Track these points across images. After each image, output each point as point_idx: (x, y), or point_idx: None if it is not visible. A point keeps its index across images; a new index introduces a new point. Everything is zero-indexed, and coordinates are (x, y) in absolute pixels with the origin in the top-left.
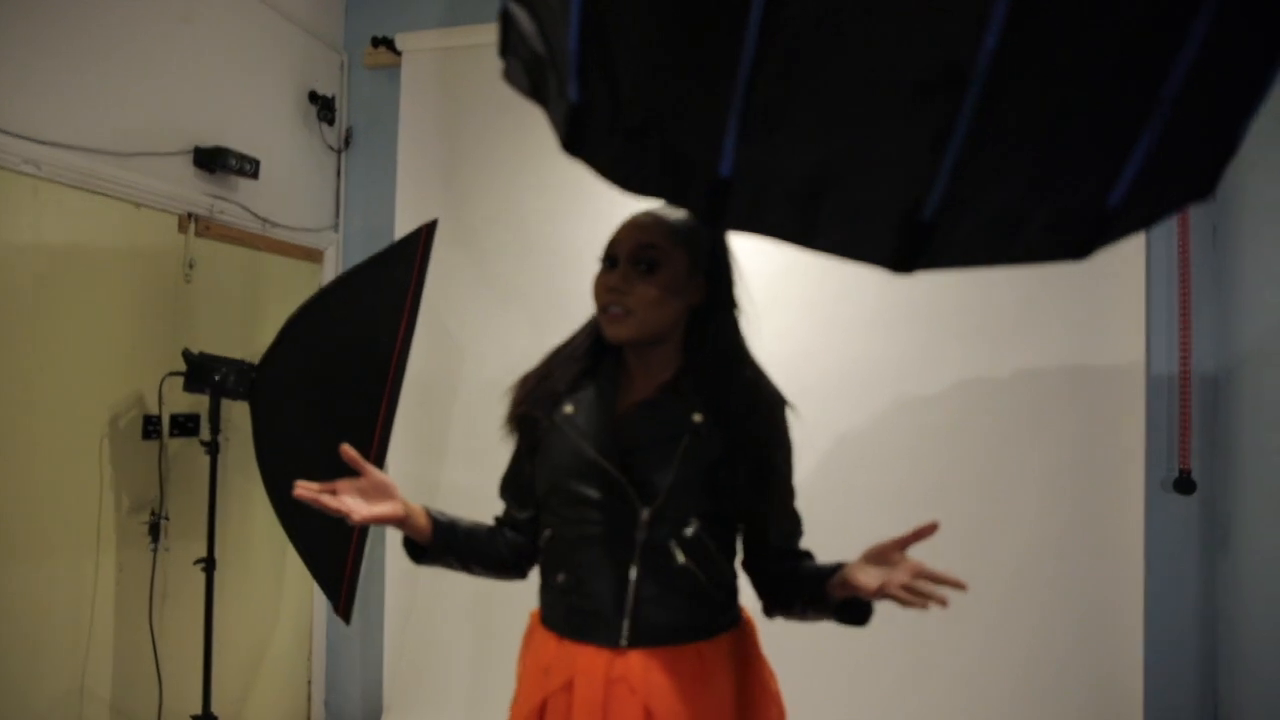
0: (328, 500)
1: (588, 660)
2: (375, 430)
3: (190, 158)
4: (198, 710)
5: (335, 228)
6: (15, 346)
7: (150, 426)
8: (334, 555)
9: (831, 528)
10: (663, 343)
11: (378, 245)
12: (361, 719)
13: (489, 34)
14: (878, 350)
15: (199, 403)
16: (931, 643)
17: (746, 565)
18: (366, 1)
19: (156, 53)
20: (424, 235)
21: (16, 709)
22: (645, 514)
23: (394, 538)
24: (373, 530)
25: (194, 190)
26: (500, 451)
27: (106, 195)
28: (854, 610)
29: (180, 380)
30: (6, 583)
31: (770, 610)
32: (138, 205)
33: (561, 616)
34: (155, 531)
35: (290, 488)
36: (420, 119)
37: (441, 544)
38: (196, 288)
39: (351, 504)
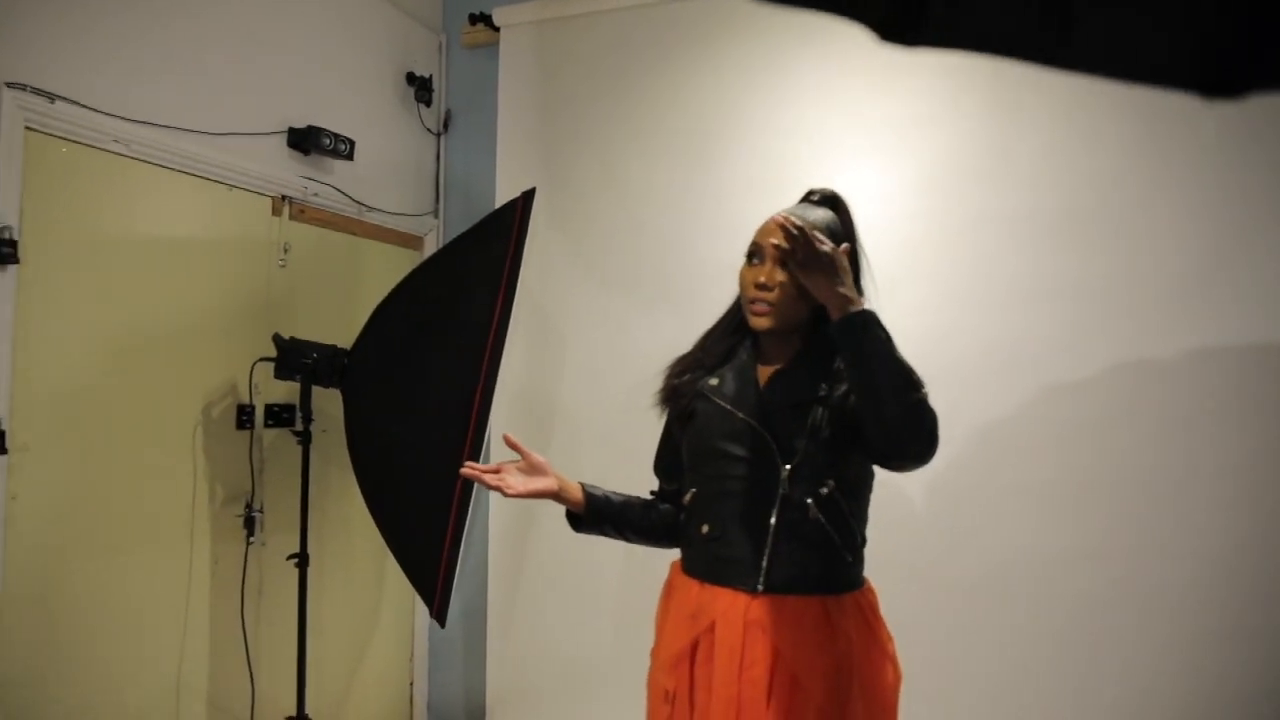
0: (488, 478)
1: (727, 603)
2: (471, 414)
3: (284, 138)
4: (293, 710)
5: (435, 213)
6: (107, 332)
7: (244, 416)
8: (428, 555)
9: (970, 529)
10: (793, 331)
11: None
12: None
13: (588, 3)
14: (1018, 330)
15: (294, 393)
16: (1092, 661)
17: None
18: None
19: (250, 31)
20: (520, 205)
21: (116, 700)
22: (785, 471)
23: (496, 539)
24: (471, 530)
25: (288, 172)
26: (605, 440)
27: (198, 176)
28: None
29: (272, 367)
30: (105, 574)
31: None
32: (230, 187)
33: (704, 564)
34: (250, 525)
35: (383, 480)
36: (520, 96)
37: (595, 514)
38: (290, 273)
39: (509, 480)
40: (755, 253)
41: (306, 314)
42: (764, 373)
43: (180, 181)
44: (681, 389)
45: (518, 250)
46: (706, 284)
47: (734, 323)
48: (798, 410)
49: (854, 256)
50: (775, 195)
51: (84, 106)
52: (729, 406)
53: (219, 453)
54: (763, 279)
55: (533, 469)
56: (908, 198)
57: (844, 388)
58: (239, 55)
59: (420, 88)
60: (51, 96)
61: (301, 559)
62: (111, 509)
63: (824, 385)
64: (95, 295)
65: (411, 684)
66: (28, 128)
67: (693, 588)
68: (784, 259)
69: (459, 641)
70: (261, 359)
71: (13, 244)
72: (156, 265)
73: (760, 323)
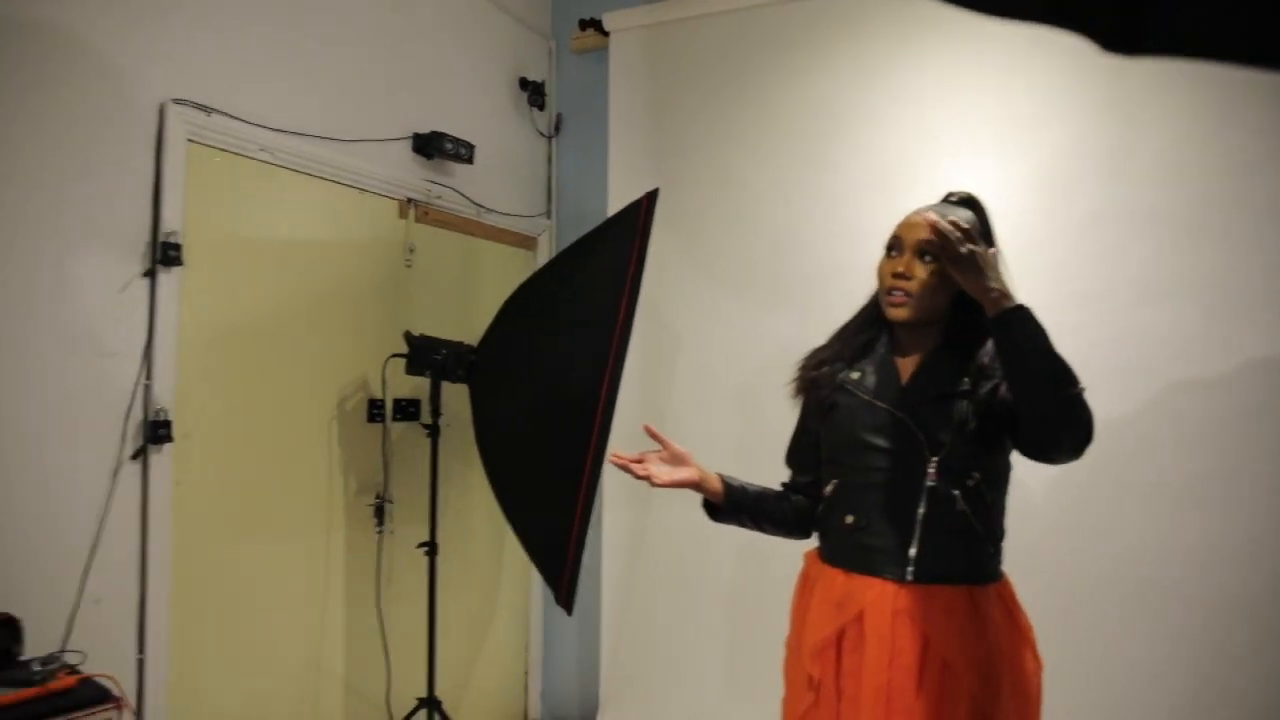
0: (635, 468)
1: (876, 592)
2: (596, 412)
3: (409, 144)
4: (422, 693)
5: (548, 214)
6: (253, 328)
7: (374, 410)
8: (555, 543)
9: (1101, 531)
10: (930, 324)
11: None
12: (578, 713)
13: (698, 6)
14: (1144, 327)
15: (419, 388)
16: (1233, 662)
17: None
18: None
19: (376, 43)
20: (645, 205)
21: (260, 680)
22: (933, 462)
23: (609, 529)
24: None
25: (413, 176)
26: (717, 438)
27: (332, 181)
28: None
29: (402, 364)
30: (252, 556)
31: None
32: (361, 190)
33: (849, 554)
34: (380, 514)
35: (509, 472)
36: (630, 99)
37: (733, 504)
38: (415, 273)
39: (654, 470)
40: (894, 245)
41: (430, 312)
42: (903, 365)
43: (317, 186)
44: (820, 381)
45: (642, 249)
46: (820, 284)
47: (871, 316)
48: (942, 403)
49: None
50: (891, 194)
51: (235, 118)
52: (872, 399)
53: (352, 445)
54: (901, 269)
55: (674, 459)
56: (1028, 194)
57: (991, 382)
58: (367, 67)
59: (533, 92)
60: (208, 110)
61: (431, 548)
62: (257, 496)
63: (966, 379)
64: (243, 295)
65: (526, 672)
66: (189, 140)
67: (837, 577)
68: (934, 255)
69: (573, 632)
70: (393, 355)
71: (178, 248)
72: (296, 266)
73: (898, 313)
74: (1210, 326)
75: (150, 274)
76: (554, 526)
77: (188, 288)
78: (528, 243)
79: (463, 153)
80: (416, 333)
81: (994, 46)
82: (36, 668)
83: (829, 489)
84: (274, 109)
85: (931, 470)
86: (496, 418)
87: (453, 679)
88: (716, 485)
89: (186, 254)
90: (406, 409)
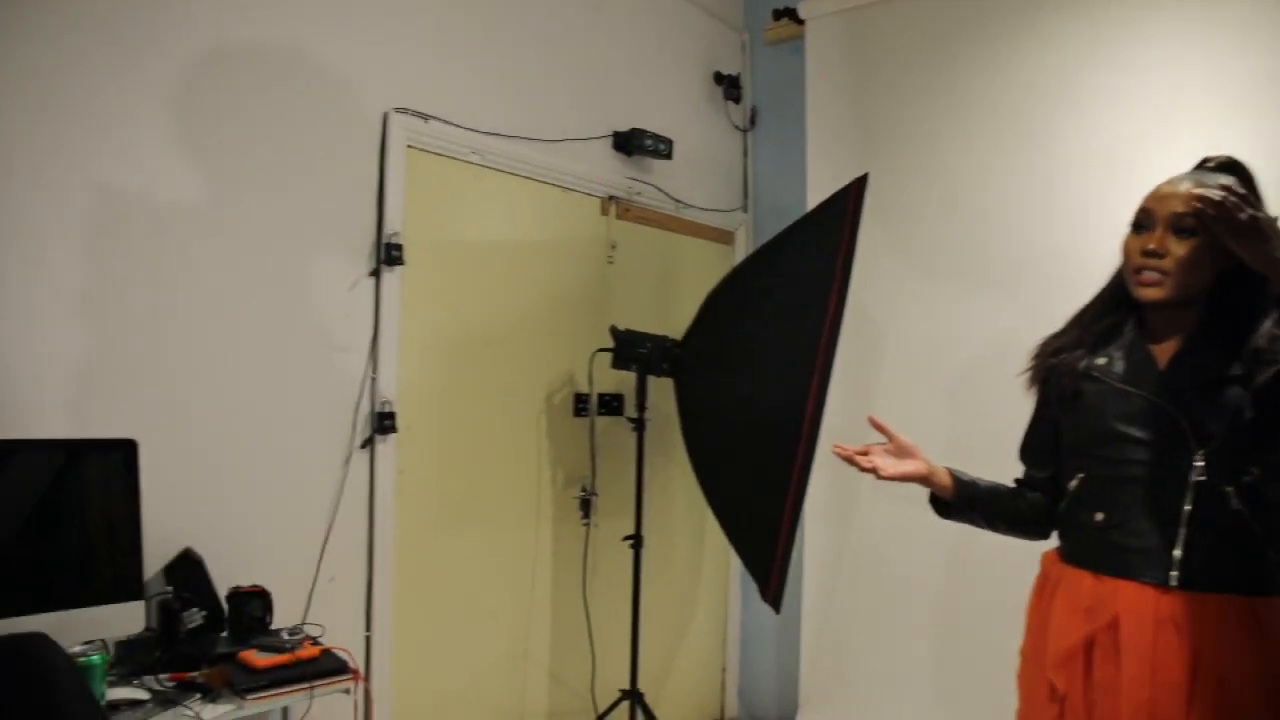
0: (860, 460)
1: (1133, 598)
2: (807, 405)
3: (610, 142)
4: (625, 684)
5: (744, 208)
6: (465, 324)
7: (580, 404)
8: (763, 538)
9: None
10: (1188, 305)
11: (786, 225)
12: (775, 714)
13: None
14: None
15: (622, 382)
16: None
17: None
18: None
19: (574, 44)
20: (854, 192)
21: (473, 663)
22: (1200, 456)
23: (813, 528)
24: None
25: (614, 173)
26: (929, 435)
27: (538, 180)
28: None
29: (606, 358)
30: (465, 547)
31: None
32: (565, 189)
33: (1099, 554)
34: (586, 507)
35: (716, 467)
36: (828, 88)
37: (964, 500)
38: (617, 269)
39: (880, 462)
40: (1143, 220)
41: (631, 307)
42: (1159, 351)
43: (523, 186)
44: (1059, 369)
45: (852, 237)
46: (1036, 270)
47: (1114, 299)
48: (1210, 390)
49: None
50: (1114, 171)
51: (449, 123)
52: (1126, 386)
53: (559, 438)
54: (1152, 245)
55: (900, 451)
56: None
57: (1273, 368)
58: (567, 67)
59: (729, 85)
60: (426, 117)
61: (636, 541)
62: (471, 486)
63: (1238, 364)
64: (456, 292)
65: (724, 669)
66: (409, 146)
67: (1084, 579)
68: (1192, 229)
69: (772, 631)
70: (599, 350)
71: (400, 248)
72: (505, 264)
73: (1149, 293)
74: None
75: (375, 273)
76: (763, 522)
77: (408, 286)
78: (725, 237)
79: (661, 149)
80: (621, 327)
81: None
82: (285, 636)
83: (1074, 484)
84: (482, 113)
85: (1199, 463)
86: (702, 411)
87: (652, 672)
88: (946, 480)
89: (406, 254)
90: (610, 403)
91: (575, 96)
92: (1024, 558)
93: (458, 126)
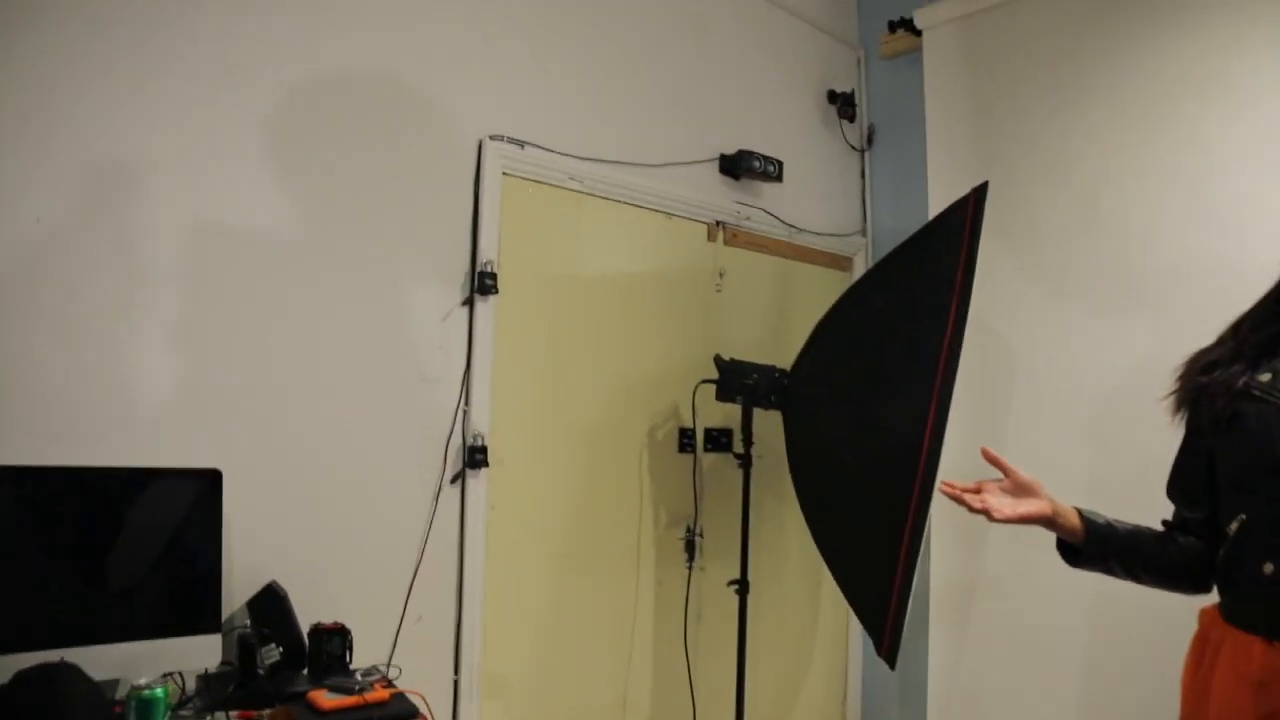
0: (971, 499)
1: None
2: (923, 440)
3: (715, 165)
4: None
5: (863, 232)
6: (565, 355)
7: (685, 440)
8: (878, 588)
9: None
10: None
11: None
12: None
13: None
14: None
15: (730, 416)
16: None
17: None
18: None
19: (679, 65)
20: (972, 202)
21: (565, 714)
22: None
23: (939, 574)
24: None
25: (721, 198)
26: (1064, 471)
27: (640, 206)
28: None
29: (711, 390)
30: (560, 589)
31: None
32: (669, 215)
33: (1272, 614)
34: (690, 549)
35: (826, 508)
36: (949, 100)
37: (1097, 545)
38: (726, 297)
39: (994, 503)
40: None
41: (741, 337)
42: None
43: (624, 212)
44: (1212, 389)
45: (971, 253)
46: (1184, 283)
47: (1277, 306)
48: None
49: None
50: (1276, 167)
51: (546, 149)
52: None
53: (663, 476)
54: None
55: (1019, 489)
56: None
57: None
58: (669, 90)
59: (843, 104)
60: (522, 143)
61: (742, 586)
62: (567, 525)
63: None
64: (554, 322)
65: None
66: (504, 173)
67: (1255, 646)
68: None
69: (895, 688)
70: (703, 381)
71: (494, 277)
72: (605, 292)
73: None
74: None
75: (469, 303)
76: (877, 570)
77: (502, 316)
78: (842, 263)
79: (771, 170)
80: (727, 357)
81: None
82: (359, 678)
83: (1234, 526)
84: (581, 138)
85: None
86: (813, 447)
87: None
88: (1074, 522)
89: (501, 283)
90: (718, 439)
91: (679, 119)
92: (1181, 613)
93: (554, 152)
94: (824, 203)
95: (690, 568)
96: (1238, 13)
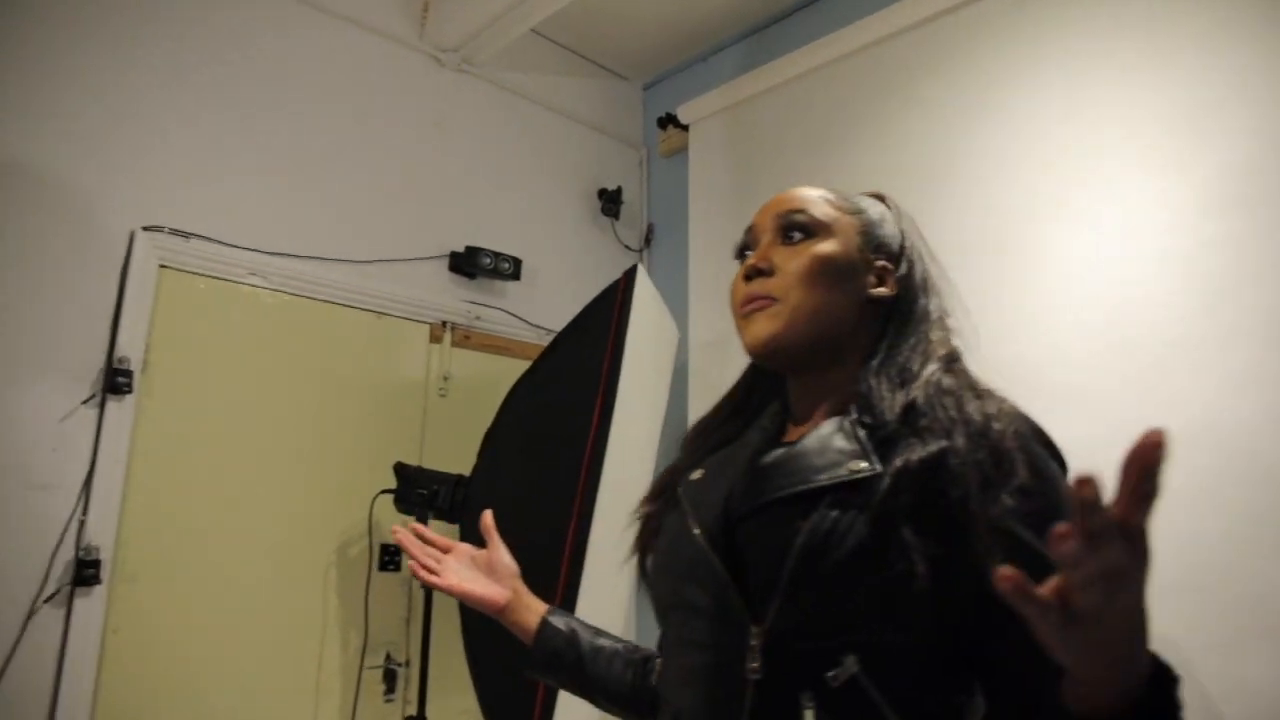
0: (415, 550)
1: None
2: (569, 528)
3: (445, 263)
4: None
5: None
6: (229, 464)
7: (388, 557)
8: (518, 712)
9: None
10: (837, 359)
11: (681, 350)
12: None
13: (769, 76)
14: None
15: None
16: None
17: None
18: (663, 89)
19: (403, 162)
20: (621, 285)
21: None
22: (755, 638)
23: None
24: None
25: (449, 297)
26: None
27: (345, 305)
28: None
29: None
30: None
31: None
32: (380, 314)
33: None
34: (390, 679)
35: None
36: (710, 193)
37: (549, 656)
38: (452, 402)
39: (440, 564)
40: (748, 243)
41: (472, 444)
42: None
43: (324, 311)
44: (667, 491)
45: (619, 333)
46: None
47: (750, 379)
48: (789, 512)
49: (915, 241)
50: (1005, 249)
51: (220, 243)
52: (692, 518)
53: (354, 597)
54: (753, 261)
55: (490, 567)
56: (1208, 219)
57: (918, 450)
58: (397, 186)
59: (608, 202)
60: (187, 235)
61: None
62: (221, 653)
63: (861, 462)
64: (225, 426)
65: None
66: (162, 265)
67: None
68: (807, 228)
69: None
70: (383, 491)
71: (129, 374)
72: (295, 396)
73: (759, 330)
74: None
75: (99, 402)
76: (517, 697)
77: (149, 418)
78: None
79: (505, 268)
80: (452, 470)
81: (1142, 25)
82: None
83: (659, 664)
84: (271, 233)
85: (754, 650)
86: None
87: None
88: (529, 621)
89: (150, 382)
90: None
91: (405, 216)
92: None
93: (233, 246)
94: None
95: (391, 701)
96: (962, 95)
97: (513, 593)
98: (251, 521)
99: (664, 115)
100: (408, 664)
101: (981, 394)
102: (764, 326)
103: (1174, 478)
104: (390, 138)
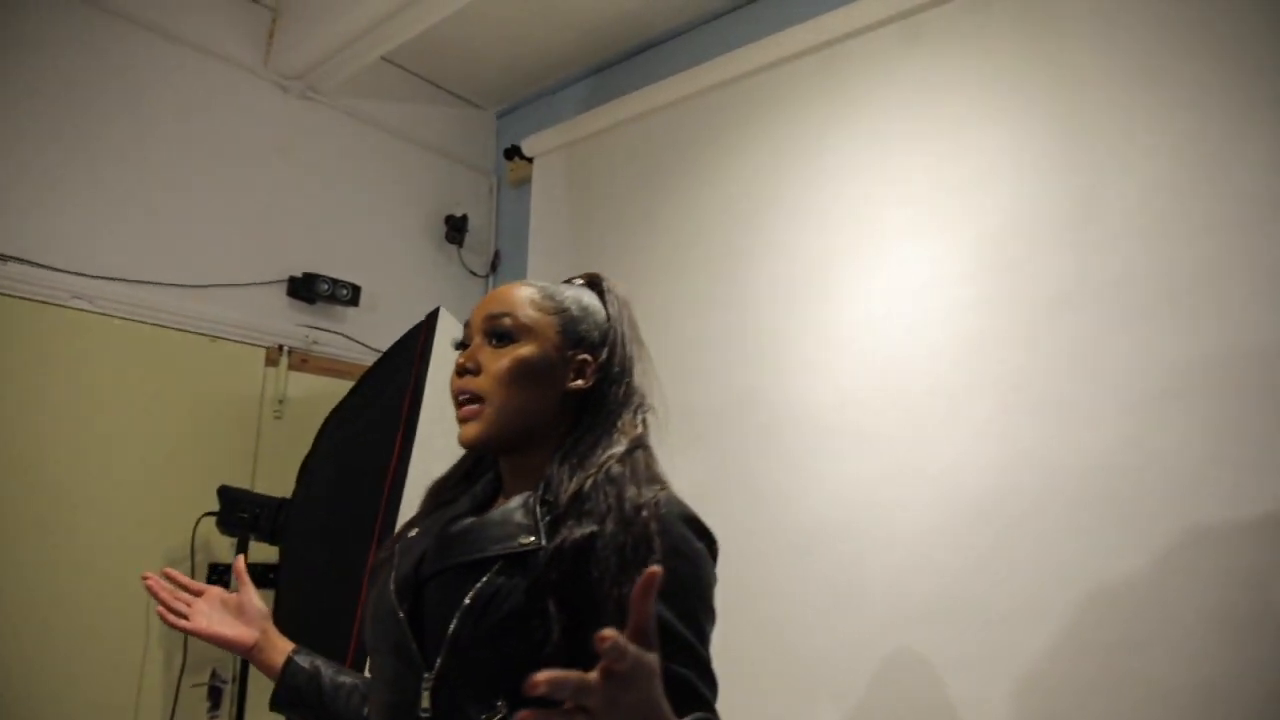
0: (163, 595)
1: None
2: (368, 561)
3: (284, 287)
4: None
5: None
6: (45, 485)
7: (216, 577)
8: None
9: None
10: (539, 444)
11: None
12: None
13: (610, 114)
14: (1142, 443)
15: (272, 553)
16: None
17: None
18: (515, 118)
19: (244, 189)
20: (424, 327)
21: None
22: (426, 683)
23: None
24: None
25: (286, 321)
26: None
27: (177, 329)
28: None
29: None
30: None
31: None
32: (213, 338)
33: None
34: (215, 696)
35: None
36: (551, 226)
37: (289, 692)
38: (288, 424)
39: (191, 609)
40: (466, 339)
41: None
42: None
43: (152, 335)
44: (400, 541)
45: (419, 375)
46: (733, 416)
47: (474, 456)
48: (466, 580)
49: (622, 331)
50: (809, 296)
51: (40, 265)
52: (395, 571)
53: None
54: (462, 361)
55: (240, 610)
56: (965, 281)
57: (580, 528)
58: (240, 209)
59: (452, 229)
60: (5, 259)
61: None
62: (41, 668)
63: (529, 537)
64: (46, 450)
65: None
66: None
67: None
68: (512, 332)
69: None
70: (206, 514)
71: None
72: (116, 420)
73: (467, 431)
74: (1223, 439)
75: None
76: None
77: None
78: None
79: (343, 294)
80: (242, 487)
81: (911, 104)
82: None
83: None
84: (100, 256)
85: (426, 690)
86: (297, 587)
87: None
88: (276, 660)
89: None
90: (266, 575)
91: (242, 242)
92: None
93: (54, 269)
94: None
95: (214, 716)
96: (773, 144)
97: (261, 634)
98: (74, 541)
99: (510, 147)
100: (235, 680)
101: (642, 482)
102: (471, 429)
103: (926, 516)
104: (231, 164)
